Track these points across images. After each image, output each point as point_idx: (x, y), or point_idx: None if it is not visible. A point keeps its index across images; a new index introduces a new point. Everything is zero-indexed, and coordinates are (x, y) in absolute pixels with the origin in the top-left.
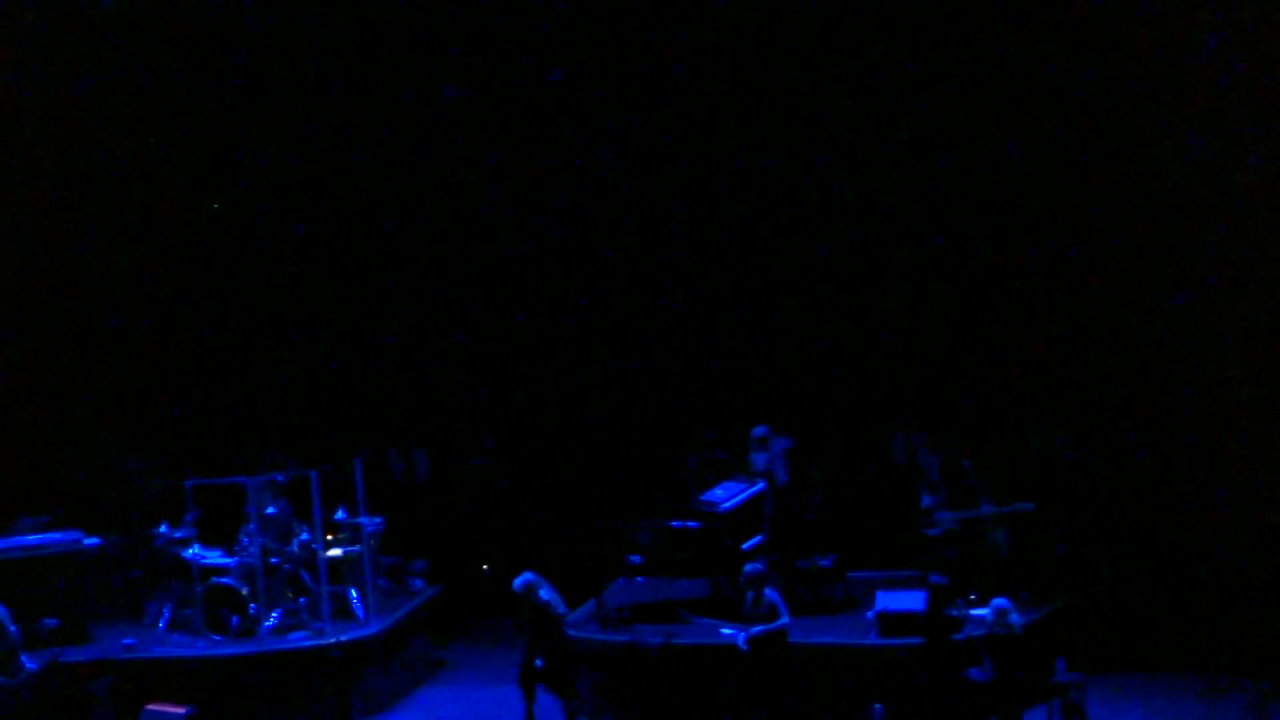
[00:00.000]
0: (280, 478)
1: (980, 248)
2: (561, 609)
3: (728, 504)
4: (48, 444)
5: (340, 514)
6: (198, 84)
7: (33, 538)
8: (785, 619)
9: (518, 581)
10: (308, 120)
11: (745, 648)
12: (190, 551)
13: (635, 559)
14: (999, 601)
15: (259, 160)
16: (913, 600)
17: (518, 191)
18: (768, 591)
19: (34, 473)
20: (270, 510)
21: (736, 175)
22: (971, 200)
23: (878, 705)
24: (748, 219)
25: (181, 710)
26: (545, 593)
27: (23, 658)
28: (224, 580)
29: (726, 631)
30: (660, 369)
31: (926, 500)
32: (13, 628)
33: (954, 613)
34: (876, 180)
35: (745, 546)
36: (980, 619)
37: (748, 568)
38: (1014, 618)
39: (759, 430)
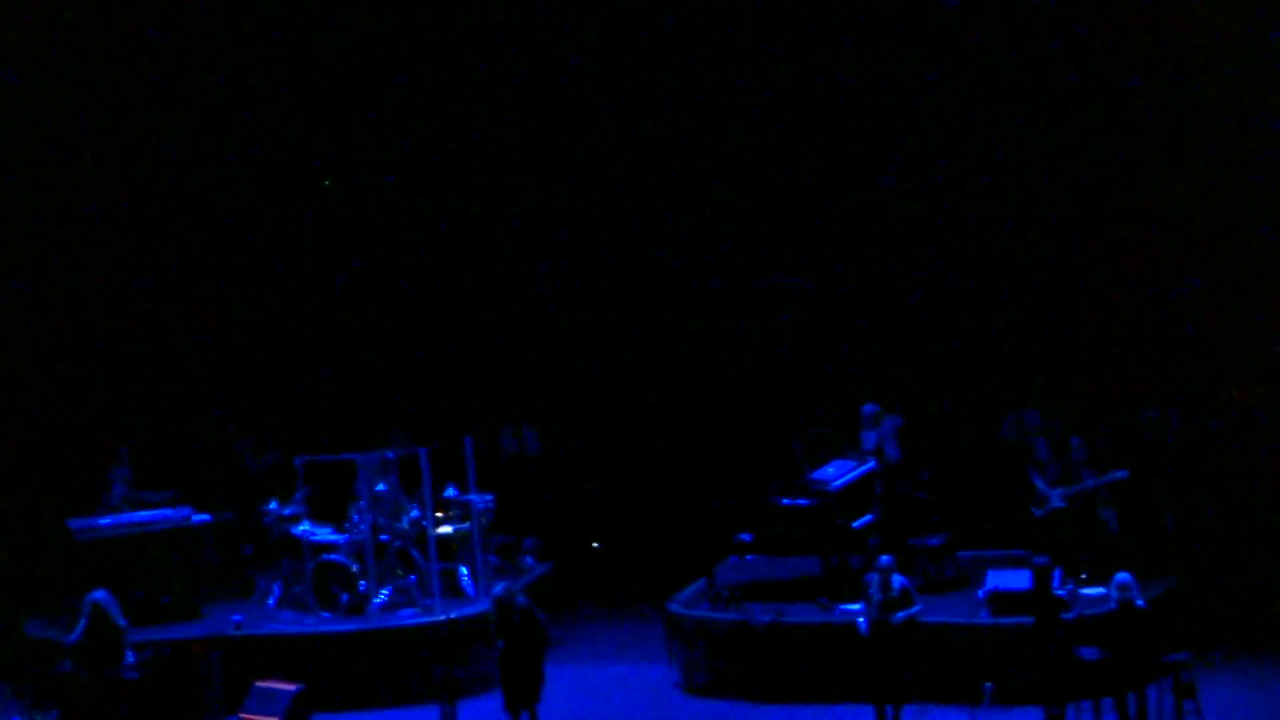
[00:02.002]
0: (391, 455)
1: (1087, 227)
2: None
3: (838, 482)
4: (160, 421)
5: (451, 491)
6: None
7: (144, 514)
8: (919, 604)
9: (498, 588)
10: (425, 97)
11: (866, 632)
12: (300, 528)
13: (746, 537)
14: (1121, 577)
15: (371, 142)
16: (1024, 579)
17: (626, 172)
18: (897, 577)
19: (146, 450)
20: (380, 487)
21: (860, 158)
22: (1081, 185)
23: (988, 684)
24: (864, 202)
25: (291, 687)
26: (524, 599)
27: (127, 652)
28: (334, 557)
29: (846, 608)
30: (773, 346)
31: (1036, 479)
32: (122, 620)
33: (1062, 592)
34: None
35: (856, 525)
36: (1091, 597)
37: (881, 560)
38: (1136, 594)
39: (869, 408)
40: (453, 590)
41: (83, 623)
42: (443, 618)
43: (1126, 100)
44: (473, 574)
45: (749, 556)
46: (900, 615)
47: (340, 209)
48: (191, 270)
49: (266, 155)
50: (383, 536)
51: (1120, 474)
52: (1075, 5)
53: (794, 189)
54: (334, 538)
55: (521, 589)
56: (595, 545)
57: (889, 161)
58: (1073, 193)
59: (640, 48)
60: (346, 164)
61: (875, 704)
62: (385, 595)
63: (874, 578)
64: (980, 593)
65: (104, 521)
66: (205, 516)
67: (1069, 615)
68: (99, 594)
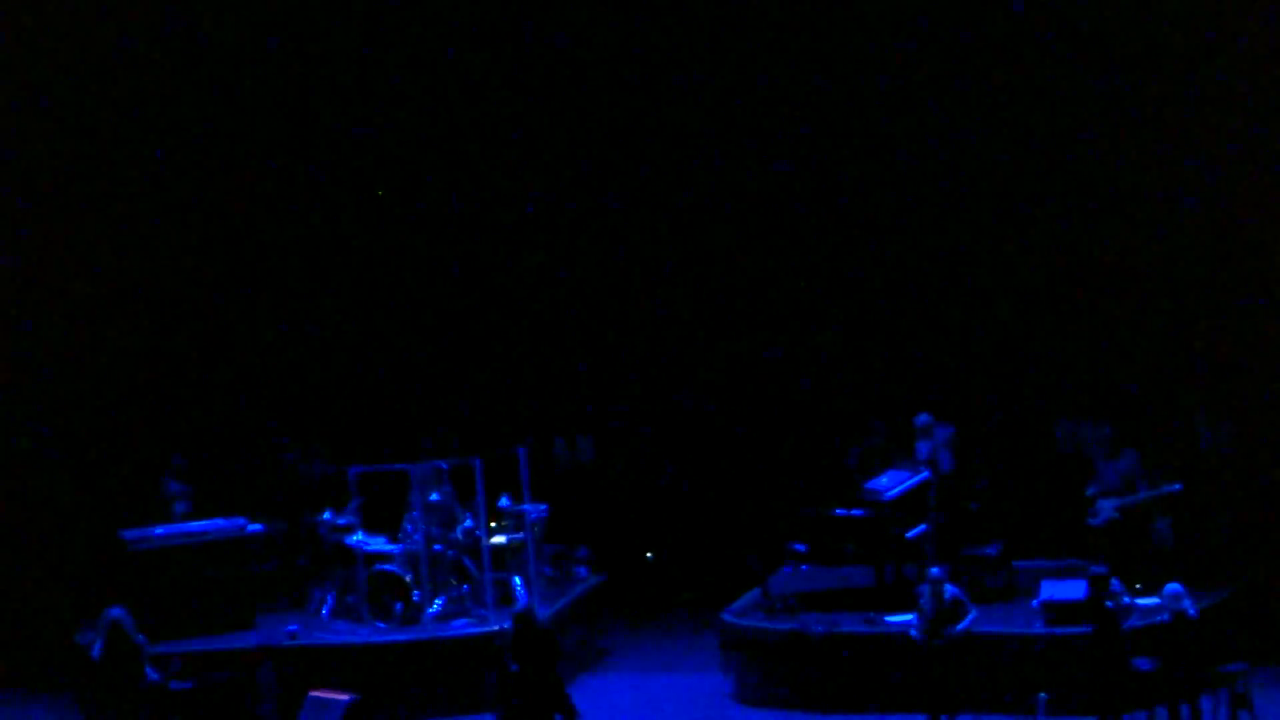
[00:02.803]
0: (444, 465)
1: (1145, 238)
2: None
3: (892, 492)
4: (211, 431)
5: (504, 501)
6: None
7: (197, 525)
8: (974, 613)
9: (519, 607)
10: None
11: (920, 639)
12: (354, 538)
13: (799, 547)
14: (1172, 588)
15: (421, 150)
16: (1079, 589)
17: (684, 179)
18: (949, 588)
19: (199, 463)
20: (434, 497)
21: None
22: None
23: (1042, 694)
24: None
25: (345, 697)
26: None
27: (147, 669)
28: (388, 567)
29: (894, 620)
30: (826, 356)
31: (1091, 489)
32: (139, 637)
33: (1115, 603)
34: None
35: (910, 535)
36: (1146, 608)
37: (932, 572)
38: (1187, 604)
39: (922, 418)
40: (507, 600)
41: (100, 640)
42: (495, 628)
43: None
44: (526, 584)
45: (803, 566)
46: (958, 628)
47: (394, 217)
48: (246, 279)
49: (316, 162)
50: (436, 546)
51: (1174, 487)
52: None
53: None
54: (388, 548)
55: (570, 602)
56: (649, 556)
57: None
58: (1127, 202)
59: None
60: (396, 170)
61: (928, 715)
62: (439, 605)
63: (926, 588)
64: (1035, 603)
65: (158, 532)
66: (259, 527)
67: (1125, 625)
68: (115, 611)
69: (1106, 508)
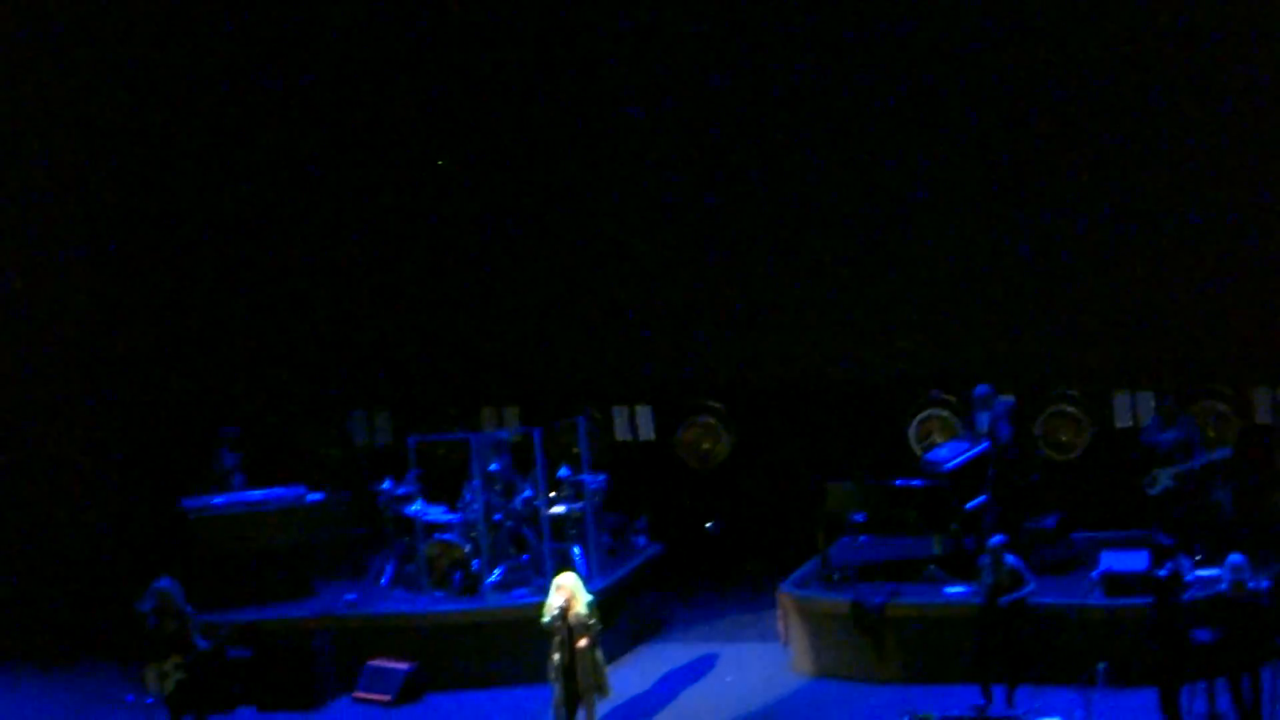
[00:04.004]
0: (504, 435)
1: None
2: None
3: (952, 463)
4: (272, 399)
5: (564, 471)
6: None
7: (257, 493)
8: (1032, 584)
9: (566, 578)
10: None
11: (980, 609)
12: (413, 508)
13: (859, 517)
14: (1234, 559)
15: (477, 118)
16: (1137, 560)
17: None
18: (1009, 557)
19: (259, 432)
20: (494, 467)
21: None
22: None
23: (1102, 665)
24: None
25: (404, 666)
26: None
27: (197, 638)
28: (447, 537)
29: (952, 591)
30: (884, 326)
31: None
32: (188, 607)
33: (1176, 573)
34: None
35: (969, 506)
36: (1207, 579)
37: (992, 540)
38: (1249, 576)
39: (981, 390)
40: (566, 570)
41: (150, 609)
42: None
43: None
44: (585, 554)
45: (862, 537)
46: (1008, 597)
47: (454, 186)
48: (306, 246)
49: (373, 130)
50: (496, 516)
51: (1224, 452)
52: None
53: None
54: (447, 517)
55: (628, 572)
56: (708, 526)
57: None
58: (1180, 168)
59: None
60: (454, 136)
61: (982, 684)
62: (498, 575)
63: (986, 559)
64: (1094, 574)
65: (217, 500)
66: (318, 495)
67: (1185, 597)
68: (164, 582)
69: (1163, 477)
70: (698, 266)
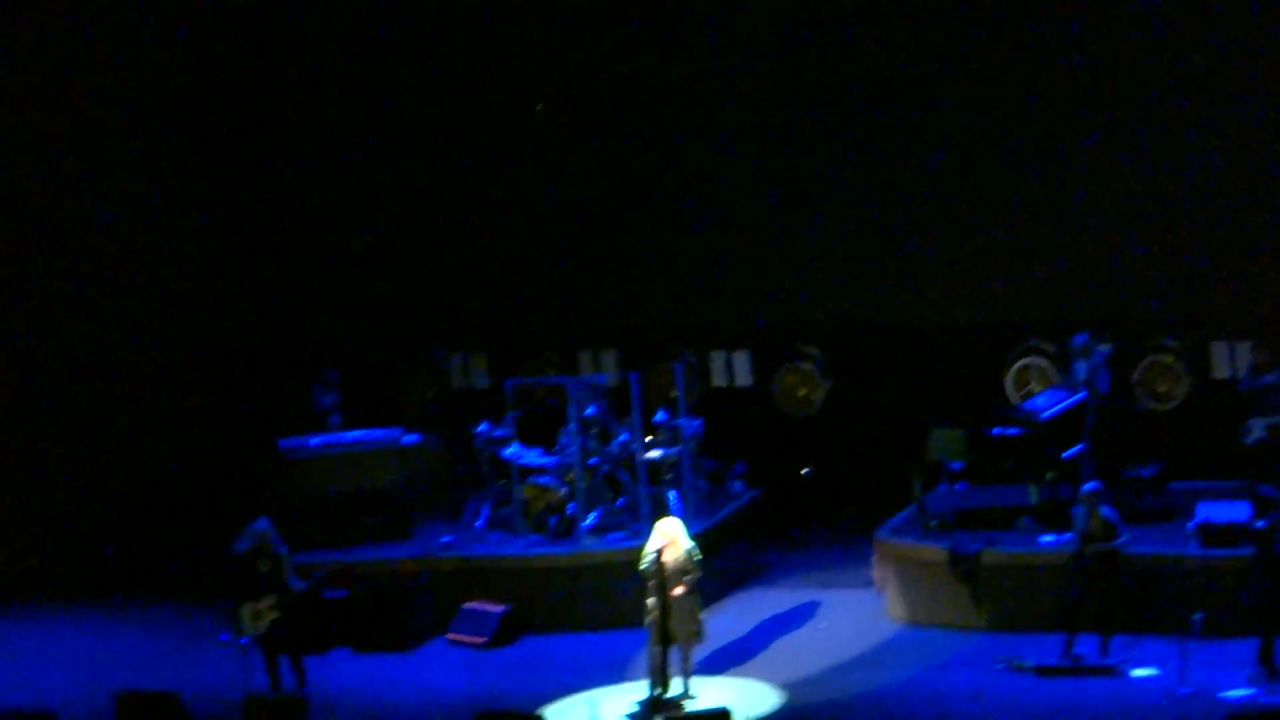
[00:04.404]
0: (601, 379)
1: None
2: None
3: (1049, 412)
4: (371, 341)
5: (660, 415)
6: None
7: (354, 434)
8: (1125, 536)
9: (668, 521)
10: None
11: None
12: (510, 450)
13: (956, 465)
14: None
15: (573, 63)
16: (1235, 511)
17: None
18: (1103, 508)
19: (357, 373)
20: (590, 410)
21: None
22: None
23: (1198, 615)
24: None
25: (498, 608)
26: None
27: (291, 578)
28: (543, 480)
29: (1047, 539)
30: (983, 273)
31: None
32: (282, 546)
33: (1275, 524)
34: None
35: (1066, 455)
36: None
37: (1086, 486)
38: None
39: (1080, 338)
40: (661, 515)
41: (245, 549)
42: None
43: None
44: (681, 499)
45: (959, 485)
46: (1099, 545)
47: (552, 133)
48: (403, 191)
49: (471, 74)
50: (592, 460)
51: None
52: None
53: None
54: (543, 460)
55: (725, 517)
56: (805, 472)
57: None
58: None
59: None
60: (554, 85)
61: (1068, 634)
62: (593, 519)
63: (1081, 509)
64: (1191, 524)
65: (314, 441)
66: (415, 437)
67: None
68: (261, 523)
69: (1258, 427)
70: (796, 212)
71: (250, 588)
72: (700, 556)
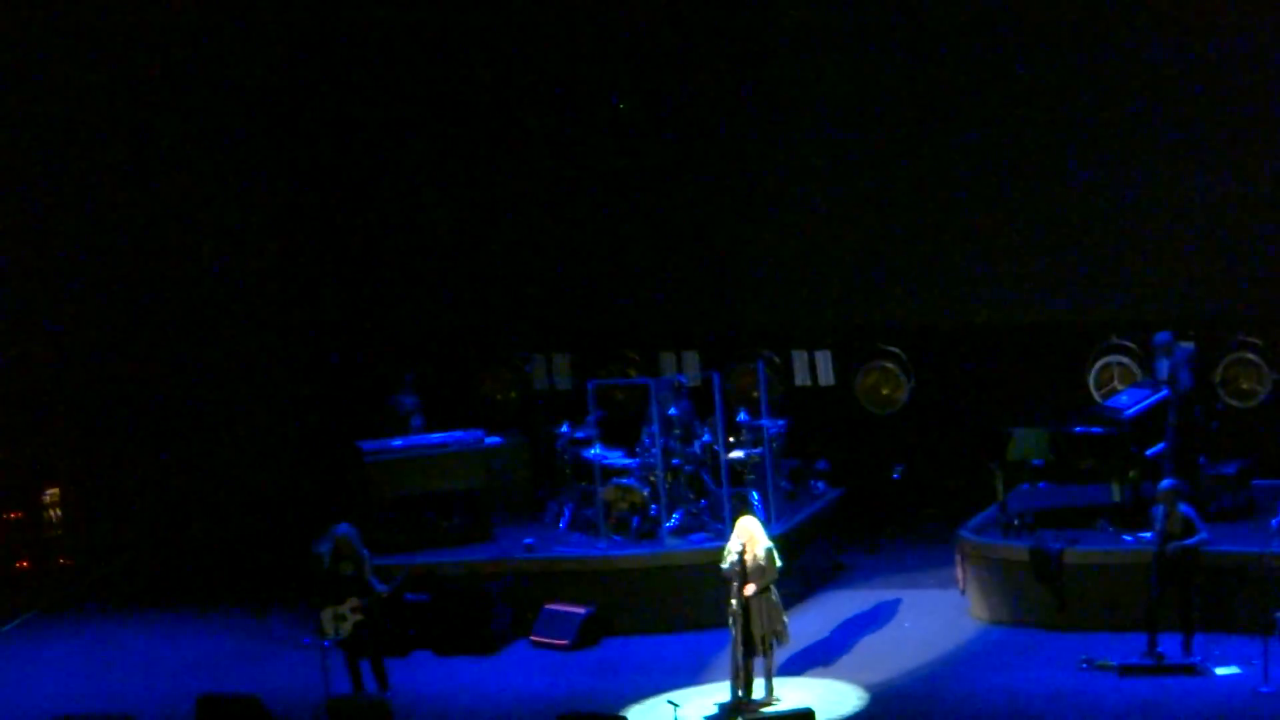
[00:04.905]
0: (683, 379)
1: None
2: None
3: (1132, 410)
4: (453, 343)
5: (743, 416)
6: None
7: (436, 436)
8: (1204, 534)
9: (747, 520)
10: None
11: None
12: (592, 452)
13: (1038, 463)
14: None
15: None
16: None
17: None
18: (1182, 506)
19: (439, 376)
20: (672, 411)
21: None
22: None
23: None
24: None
25: (581, 610)
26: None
27: (372, 580)
28: (625, 481)
29: (1130, 538)
30: (1065, 272)
31: None
32: (364, 550)
33: None
34: None
35: (1149, 453)
36: None
37: (1164, 484)
38: None
39: (1162, 337)
40: (745, 515)
41: (327, 552)
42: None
43: None
44: (764, 499)
45: (1041, 484)
46: (1177, 544)
47: (635, 133)
48: (485, 192)
49: (555, 74)
50: (674, 461)
51: None
52: None
53: None
54: (625, 461)
55: (808, 516)
56: (894, 473)
57: None
58: None
59: None
60: (633, 83)
61: (1150, 633)
62: (676, 519)
63: (1161, 508)
64: (1274, 522)
65: (396, 443)
66: (497, 439)
67: None
68: (343, 527)
69: None
70: (879, 211)
71: (333, 591)
72: (780, 557)
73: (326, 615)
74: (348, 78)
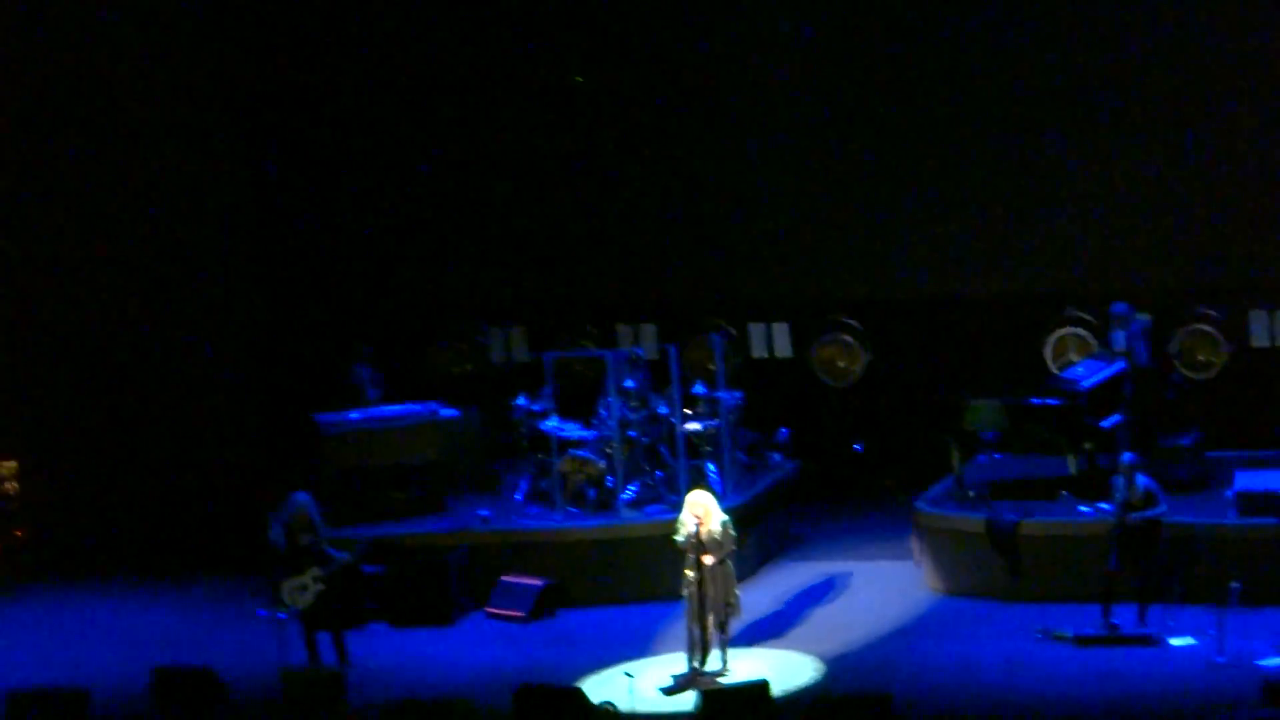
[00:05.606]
0: (640, 351)
1: None
2: None
3: (1088, 382)
4: (408, 316)
5: (699, 388)
6: None
7: (392, 409)
8: (1163, 506)
9: (700, 494)
10: None
11: (1114, 527)
12: (548, 424)
13: (994, 435)
14: None
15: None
16: (1273, 480)
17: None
18: (1142, 478)
19: (394, 348)
20: (629, 383)
21: None
22: None
23: (1235, 584)
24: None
25: (537, 582)
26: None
27: (329, 549)
28: (581, 453)
29: (1086, 509)
30: (1021, 243)
31: None
32: (319, 518)
33: None
34: None
35: (1104, 425)
36: None
37: (1124, 456)
38: None
39: (1119, 308)
40: (699, 488)
41: (286, 522)
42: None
43: None
44: (720, 470)
45: (997, 455)
46: (1138, 514)
47: (589, 104)
48: (439, 164)
49: (511, 45)
50: (631, 433)
51: None
52: None
53: None
54: (582, 433)
55: (764, 488)
56: (855, 447)
57: None
58: None
59: None
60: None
61: (1105, 604)
62: (632, 491)
63: (1120, 479)
64: (1229, 493)
65: (352, 416)
66: (453, 411)
67: None
68: (302, 496)
69: None
70: (836, 185)
71: (292, 562)
72: (734, 529)
73: (288, 586)
74: (303, 51)
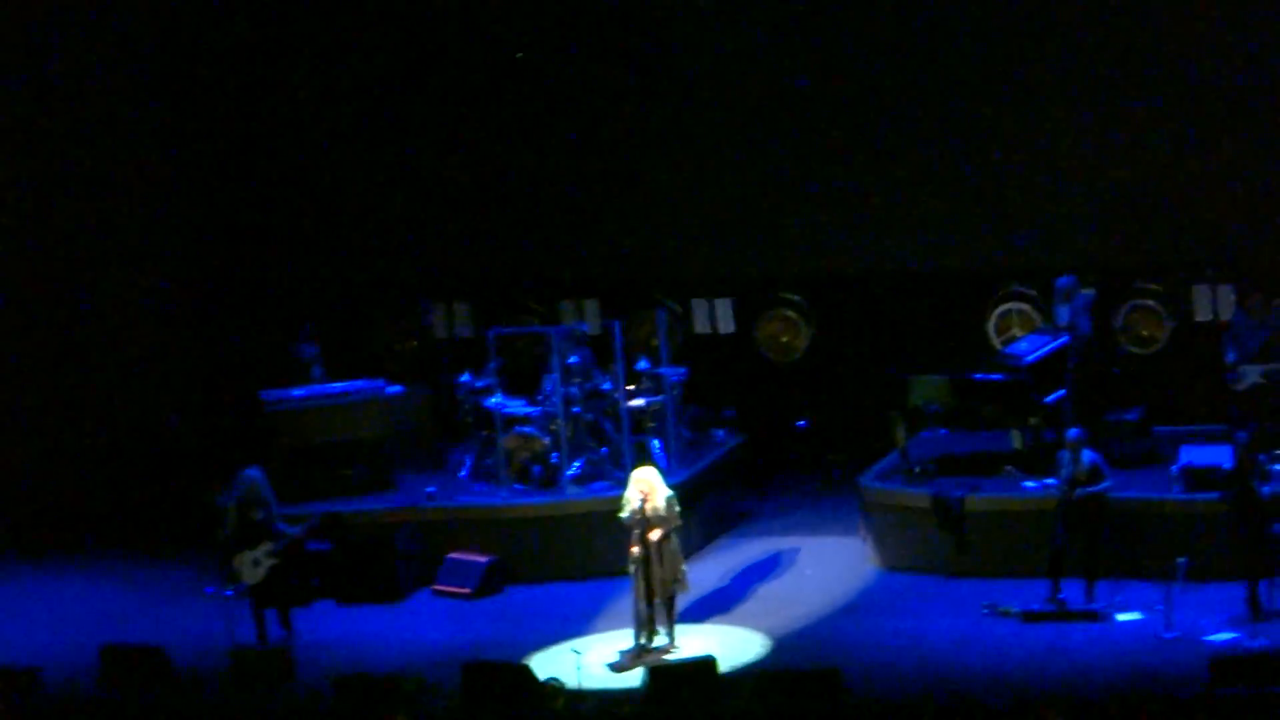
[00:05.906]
0: (584, 327)
1: None
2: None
3: (1032, 357)
4: (351, 292)
5: (643, 364)
6: None
7: (337, 386)
8: (1109, 481)
9: (644, 470)
10: None
11: (1059, 502)
12: (493, 400)
13: (938, 410)
14: None
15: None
16: (1218, 455)
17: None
18: (1086, 453)
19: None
20: (573, 360)
21: None
22: None
23: (1182, 559)
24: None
25: (483, 559)
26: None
27: (280, 525)
28: (526, 429)
29: (1031, 485)
30: (965, 218)
31: (1231, 354)
32: (270, 494)
33: (1257, 469)
34: None
35: (1048, 400)
36: None
37: (1070, 431)
38: None
39: (1063, 282)
40: (645, 463)
41: (236, 498)
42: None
43: None
44: (665, 447)
45: (942, 431)
46: (1084, 489)
47: (532, 79)
48: (383, 139)
49: (451, 22)
50: (575, 409)
51: None
52: None
53: None
54: (526, 410)
55: (708, 465)
56: (799, 424)
57: None
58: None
59: None
60: (533, 33)
61: (1054, 579)
62: (577, 468)
63: (1066, 454)
64: (1174, 468)
65: (297, 393)
66: (398, 388)
67: (1265, 491)
68: (252, 471)
69: (1251, 373)
70: (779, 160)
71: (244, 537)
72: (679, 505)
73: (241, 560)
74: (241, 30)
